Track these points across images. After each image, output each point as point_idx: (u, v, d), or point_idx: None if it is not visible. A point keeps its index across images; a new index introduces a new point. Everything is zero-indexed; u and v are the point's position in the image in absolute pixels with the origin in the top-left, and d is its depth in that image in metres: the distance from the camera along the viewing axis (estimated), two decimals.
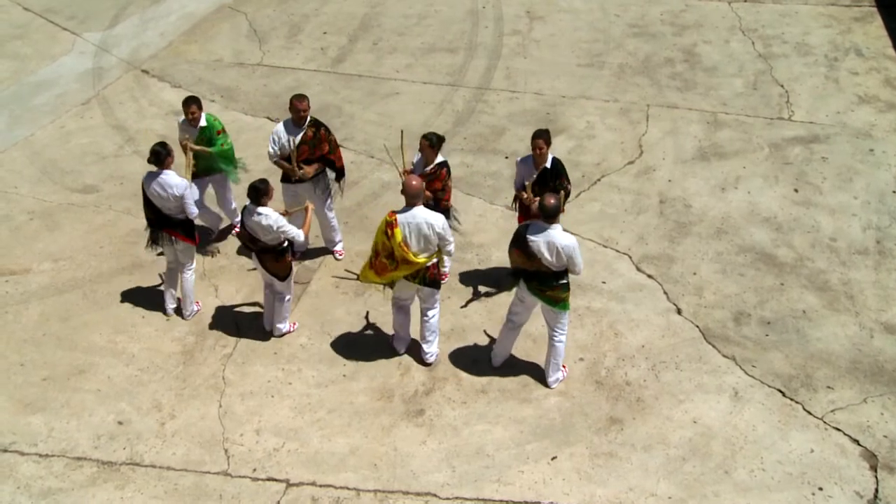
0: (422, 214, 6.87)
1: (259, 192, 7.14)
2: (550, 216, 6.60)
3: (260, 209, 7.17)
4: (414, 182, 6.86)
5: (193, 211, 7.71)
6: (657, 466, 6.64)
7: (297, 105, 7.93)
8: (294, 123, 8.05)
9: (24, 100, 11.64)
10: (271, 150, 8.09)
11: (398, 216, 6.87)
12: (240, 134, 10.79)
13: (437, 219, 6.90)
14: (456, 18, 13.39)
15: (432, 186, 7.60)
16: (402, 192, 6.95)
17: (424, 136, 7.65)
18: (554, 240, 6.63)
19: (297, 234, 7.33)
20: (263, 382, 7.48)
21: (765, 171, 9.75)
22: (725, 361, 7.50)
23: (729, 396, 7.18)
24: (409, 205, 6.89)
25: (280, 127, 8.08)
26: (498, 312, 8.05)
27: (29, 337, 7.99)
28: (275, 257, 7.41)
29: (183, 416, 7.19)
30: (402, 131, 8.23)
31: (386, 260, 6.99)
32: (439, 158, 7.73)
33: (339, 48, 12.69)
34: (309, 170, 8.12)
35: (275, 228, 7.18)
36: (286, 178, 8.28)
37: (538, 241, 6.64)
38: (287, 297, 7.71)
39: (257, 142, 10.62)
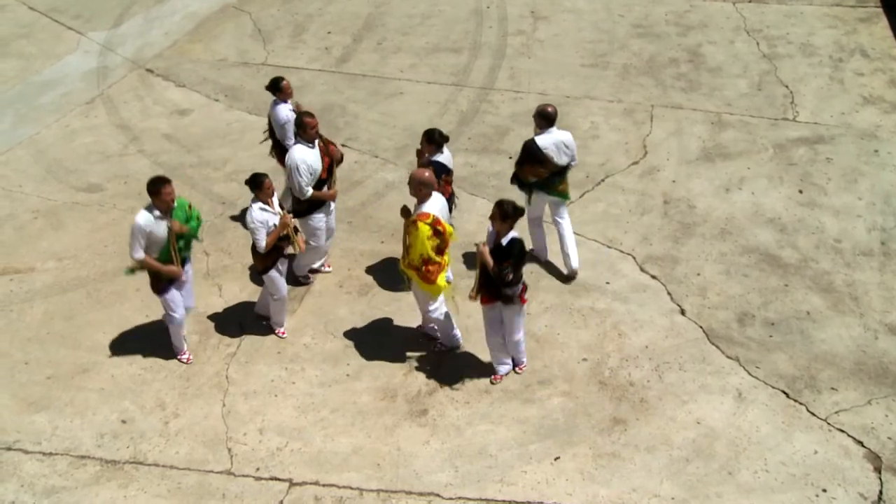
0: (440, 198, 7.15)
1: (253, 184, 7.17)
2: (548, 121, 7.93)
3: (252, 203, 7.20)
4: (427, 174, 7.06)
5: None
6: (660, 467, 6.63)
7: (312, 122, 7.67)
8: (309, 140, 7.74)
9: (29, 99, 11.66)
10: (306, 186, 7.70)
11: (432, 213, 6.93)
12: (244, 133, 10.81)
13: (441, 198, 7.25)
14: (460, 18, 13.39)
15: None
16: (420, 184, 7.00)
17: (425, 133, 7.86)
18: (561, 138, 7.93)
19: (259, 243, 7.20)
20: (267, 382, 7.49)
21: (769, 172, 9.73)
22: (729, 362, 7.49)
23: (732, 397, 7.16)
24: (425, 197, 7.00)
25: (300, 153, 7.65)
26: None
27: (33, 335, 8.01)
28: (252, 249, 7.42)
29: (186, 415, 7.20)
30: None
31: (438, 257, 7.01)
32: (438, 157, 7.81)
33: (343, 48, 12.69)
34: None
35: (249, 226, 7.23)
36: (313, 209, 7.95)
37: (549, 146, 7.86)
38: (271, 294, 7.65)
39: (261, 141, 10.63)
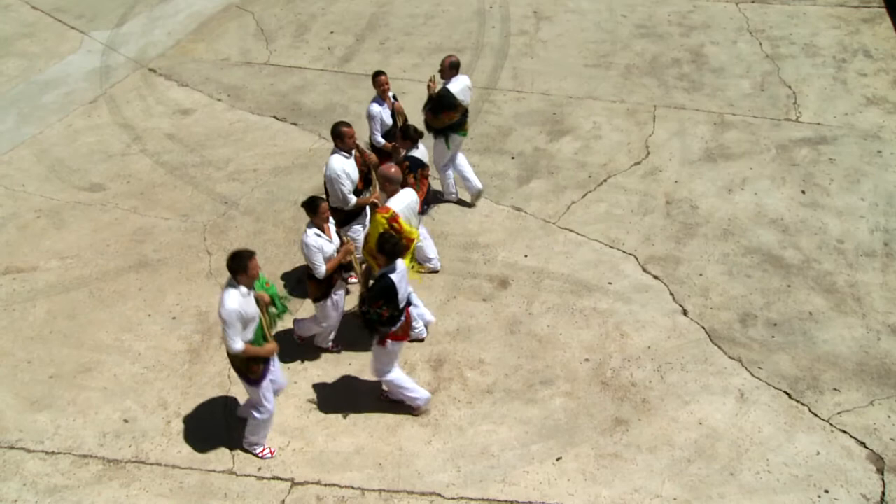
0: (410, 195, 7.26)
1: (310, 208, 6.81)
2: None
3: (307, 228, 6.89)
4: (393, 169, 7.20)
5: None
6: (662, 468, 6.62)
7: (350, 132, 7.57)
8: (347, 150, 7.64)
9: (32, 98, 11.68)
10: (349, 193, 7.63)
11: (392, 209, 7.03)
12: (246, 133, 10.82)
13: (413, 194, 7.35)
14: (463, 18, 13.39)
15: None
16: (386, 180, 7.20)
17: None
18: (466, 83, 8.79)
19: (318, 269, 6.92)
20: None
21: (772, 173, 9.72)
22: (731, 363, 7.48)
23: (735, 398, 7.16)
24: (392, 192, 7.18)
25: (339, 164, 7.54)
26: (503, 312, 8.05)
27: (36, 334, 8.02)
28: (308, 275, 7.15)
29: (188, 415, 7.21)
30: None
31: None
32: (414, 152, 7.90)
33: (346, 47, 12.70)
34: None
35: (304, 252, 6.91)
36: (351, 219, 7.91)
37: (459, 92, 8.66)
38: (319, 321, 7.43)
39: (263, 141, 10.65)
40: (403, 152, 7.94)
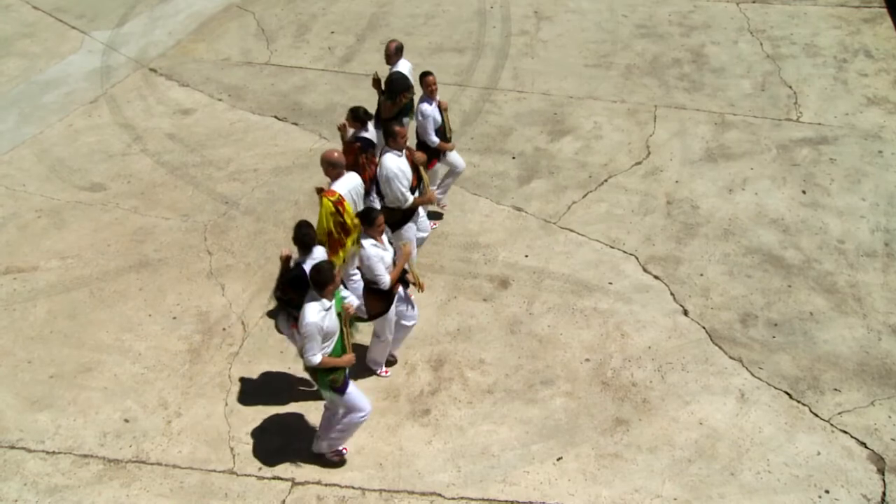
0: (354, 178, 7.39)
1: (366, 220, 6.74)
2: None
3: (362, 240, 6.81)
4: (336, 154, 7.30)
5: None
6: (663, 468, 6.62)
7: (402, 131, 7.58)
8: (399, 150, 7.61)
9: (32, 98, 11.68)
10: (407, 191, 7.59)
11: (338, 192, 7.14)
12: (247, 133, 10.82)
13: (357, 177, 7.48)
14: (463, 18, 13.39)
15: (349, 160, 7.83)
16: (329, 164, 7.25)
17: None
18: (409, 64, 9.01)
19: (383, 280, 6.81)
20: (269, 381, 7.49)
21: (772, 173, 9.72)
22: (732, 363, 7.48)
23: (735, 398, 7.16)
24: (336, 176, 7.26)
25: (394, 163, 7.51)
26: (504, 312, 8.05)
27: (36, 334, 8.02)
28: (368, 290, 7.00)
29: (189, 415, 7.21)
30: None
31: (340, 235, 7.17)
32: (364, 133, 7.95)
33: (346, 47, 12.70)
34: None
35: (365, 263, 6.80)
36: (406, 218, 7.83)
37: (408, 72, 8.81)
38: (377, 335, 7.25)
39: (264, 141, 10.65)
40: (352, 132, 7.99)
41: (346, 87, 11.74)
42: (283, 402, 7.28)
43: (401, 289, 7.08)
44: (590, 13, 13.38)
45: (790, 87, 11.24)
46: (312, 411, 7.19)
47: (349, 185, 7.38)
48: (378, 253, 6.73)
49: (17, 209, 9.62)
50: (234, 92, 11.70)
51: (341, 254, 7.30)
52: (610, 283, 8.34)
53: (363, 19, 13.46)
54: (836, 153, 9.98)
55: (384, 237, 6.89)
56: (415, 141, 8.62)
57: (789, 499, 6.36)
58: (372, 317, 7.07)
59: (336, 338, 6.09)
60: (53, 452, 6.93)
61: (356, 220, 7.09)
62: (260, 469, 6.74)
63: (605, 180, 9.74)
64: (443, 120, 8.57)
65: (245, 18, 13.67)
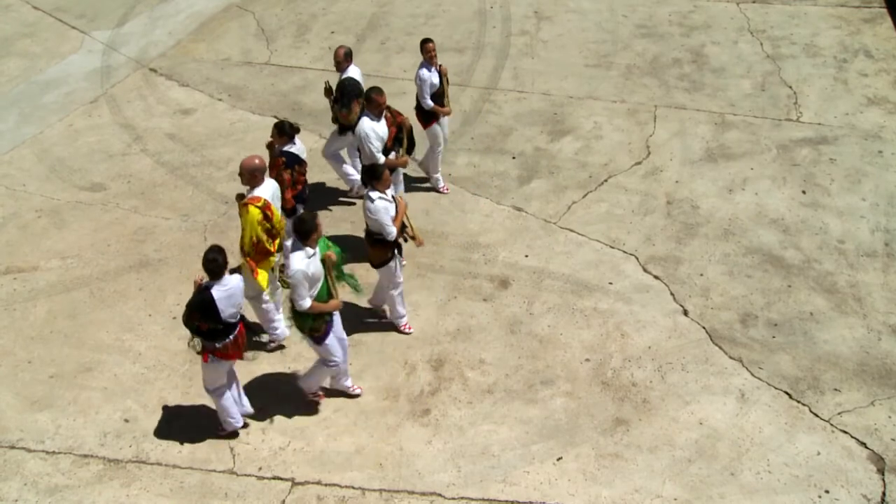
0: (273, 184, 7.33)
1: (373, 175, 7.17)
2: None
3: (370, 192, 7.19)
4: (257, 160, 7.19)
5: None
6: (663, 468, 6.62)
7: (379, 99, 8.04)
8: (376, 115, 8.07)
9: (32, 98, 11.68)
10: (378, 152, 8.07)
11: (263, 197, 7.08)
12: (247, 133, 10.82)
13: (274, 182, 7.41)
14: (464, 18, 13.39)
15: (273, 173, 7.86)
16: (251, 171, 7.15)
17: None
18: (359, 71, 9.03)
19: (389, 229, 7.21)
20: (269, 381, 7.49)
21: (772, 173, 9.72)
22: (732, 363, 7.48)
23: (735, 398, 7.16)
24: (257, 182, 7.17)
25: (368, 124, 8.01)
26: (504, 312, 8.05)
27: (36, 334, 8.02)
28: (370, 242, 7.40)
29: (189, 415, 7.21)
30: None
31: (268, 242, 7.14)
32: (288, 147, 7.94)
33: None
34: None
35: (371, 216, 7.18)
36: None
37: (360, 78, 8.87)
38: (386, 287, 7.67)
39: (264, 141, 10.60)
40: (278, 148, 7.94)
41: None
42: (283, 402, 7.28)
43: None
44: (590, 13, 13.38)
45: (790, 87, 11.24)
46: (312, 411, 7.19)
47: (270, 189, 7.27)
48: (385, 205, 7.15)
49: (18, 209, 9.62)
50: (235, 92, 11.70)
51: (271, 260, 7.25)
52: (610, 283, 8.34)
53: (363, 19, 13.46)
54: (836, 153, 9.98)
55: (388, 191, 7.31)
56: (413, 104, 9.19)
57: (789, 499, 6.36)
58: (377, 266, 7.47)
59: (321, 283, 6.54)
60: (53, 452, 6.93)
61: (283, 223, 7.26)
62: (260, 469, 6.74)
63: (606, 180, 9.74)
64: (441, 85, 9.01)
65: (245, 18, 13.67)
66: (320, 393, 7.26)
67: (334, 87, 8.91)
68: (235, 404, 6.86)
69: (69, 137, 10.87)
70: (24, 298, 8.42)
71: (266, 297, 7.43)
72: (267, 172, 7.34)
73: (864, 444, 6.74)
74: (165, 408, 7.27)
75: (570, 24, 13.08)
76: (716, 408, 7.08)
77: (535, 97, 11.31)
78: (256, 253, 7.15)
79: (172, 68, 12.33)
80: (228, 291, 6.33)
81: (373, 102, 8.01)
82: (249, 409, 7.05)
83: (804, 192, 9.42)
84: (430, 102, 9.00)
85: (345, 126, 8.86)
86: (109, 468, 6.78)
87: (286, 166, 7.82)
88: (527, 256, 8.70)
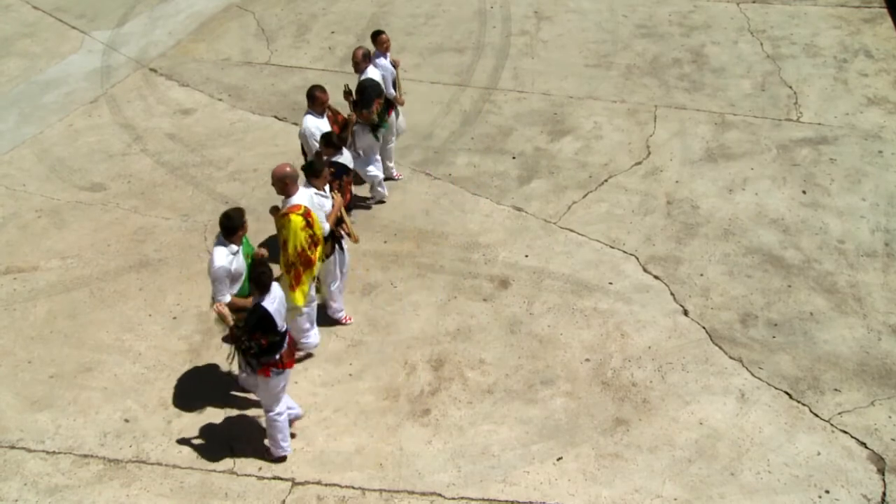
0: (308, 190, 7.24)
1: (310, 171, 7.27)
2: None
3: (306, 187, 7.27)
4: (289, 168, 7.08)
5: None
6: (663, 468, 6.62)
7: (322, 96, 8.22)
8: (319, 113, 8.26)
9: (32, 98, 11.68)
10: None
11: (303, 205, 7.00)
12: (247, 133, 10.82)
13: (311, 189, 7.31)
14: (464, 18, 13.39)
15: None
16: (283, 179, 7.03)
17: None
18: (386, 65, 9.09)
19: (324, 226, 7.31)
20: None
21: (773, 173, 9.72)
22: (732, 363, 7.48)
23: (735, 398, 7.16)
24: (291, 191, 7.07)
25: (312, 122, 8.24)
26: (504, 312, 8.05)
27: (36, 334, 8.02)
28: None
29: (189, 415, 7.21)
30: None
31: (311, 250, 7.02)
32: (338, 158, 8.00)
33: (347, 47, 12.68)
34: None
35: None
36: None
37: (380, 78, 8.88)
38: (323, 280, 7.73)
39: (264, 141, 10.65)
40: (326, 159, 7.88)
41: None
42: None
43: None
44: (590, 13, 13.38)
45: (790, 87, 11.25)
46: (312, 411, 7.19)
47: (307, 196, 7.18)
48: (320, 201, 7.22)
49: (18, 209, 9.62)
50: (235, 92, 11.70)
51: (314, 271, 7.14)
52: (610, 283, 8.34)
53: (363, 19, 13.46)
54: (836, 153, 9.98)
55: (326, 188, 7.41)
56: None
57: (789, 499, 6.36)
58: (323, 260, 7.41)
59: (243, 279, 6.59)
60: (53, 452, 6.93)
61: (321, 230, 7.17)
62: (260, 469, 6.74)
63: (606, 180, 9.74)
64: (394, 77, 9.19)
65: (245, 18, 13.67)
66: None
67: (353, 90, 8.82)
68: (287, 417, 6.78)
69: (69, 137, 10.87)
70: (24, 298, 8.42)
71: (305, 309, 7.27)
72: (299, 180, 7.22)
73: (864, 445, 6.75)
74: (165, 408, 7.27)
75: (570, 24, 13.08)
76: (716, 408, 7.08)
77: (535, 97, 11.32)
78: (300, 264, 6.95)
79: (172, 68, 12.33)
80: (277, 302, 6.28)
81: (316, 100, 8.17)
82: (299, 411, 7.03)
83: (804, 192, 9.42)
84: (392, 91, 9.12)
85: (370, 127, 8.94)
86: (109, 468, 6.79)
87: (334, 177, 7.80)
88: (527, 256, 8.70)
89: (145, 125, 11.07)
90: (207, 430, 7.06)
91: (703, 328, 7.82)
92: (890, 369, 7.37)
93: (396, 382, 7.45)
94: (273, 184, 7.08)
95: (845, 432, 6.85)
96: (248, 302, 6.44)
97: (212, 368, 7.62)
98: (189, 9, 13.98)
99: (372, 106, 8.71)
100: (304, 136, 8.25)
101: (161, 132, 10.90)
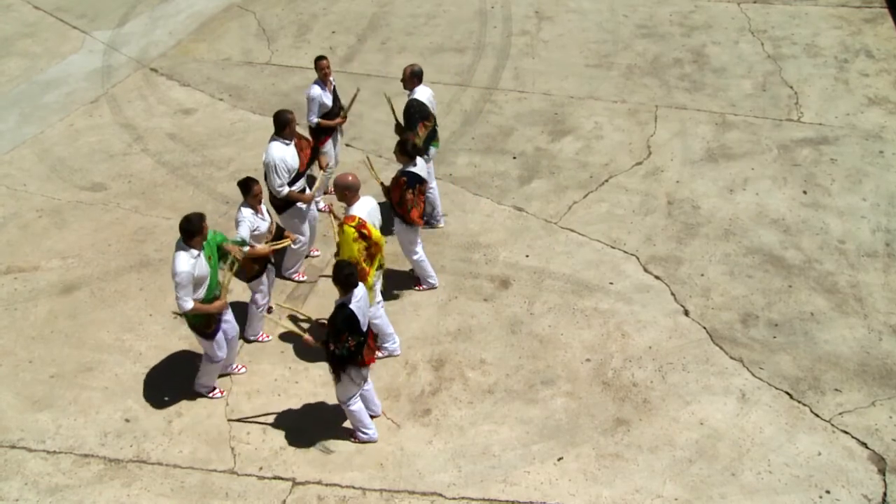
0: (370, 201, 7.19)
1: (244, 188, 7.24)
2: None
3: (241, 207, 7.28)
4: (351, 177, 7.07)
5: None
6: (664, 468, 6.62)
7: (294, 120, 7.93)
8: (288, 139, 7.90)
9: (33, 98, 11.69)
10: (280, 186, 7.91)
11: (358, 215, 6.94)
12: (247, 133, 10.83)
13: (373, 201, 7.25)
14: (464, 18, 13.39)
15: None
16: (345, 188, 7.03)
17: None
18: (429, 91, 8.67)
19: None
20: (270, 381, 7.49)
21: (773, 173, 9.71)
22: (733, 363, 7.48)
23: (736, 398, 7.16)
24: (352, 200, 7.06)
25: (279, 151, 7.84)
26: (504, 312, 8.05)
27: (37, 334, 8.03)
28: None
29: (190, 415, 7.21)
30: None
31: (366, 262, 6.94)
32: (411, 168, 7.73)
33: (347, 47, 12.70)
34: None
35: (237, 221, 7.24)
36: (286, 206, 8.07)
37: (427, 100, 8.48)
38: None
39: (265, 141, 10.56)
40: (402, 168, 7.78)
41: (346, 87, 11.71)
42: (284, 402, 7.28)
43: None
44: (591, 13, 13.38)
45: (791, 87, 11.24)
46: (313, 411, 7.19)
47: (367, 207, 7.08)
48: (251, 218, 7.18)
49: (18, 209, 9.63)
50: (235, 92, 11.71)
51: (369, 281, 7.01)
52: (611, 283, 8.34)
53: (364, 19, 13.47)
54: (836, 153, 9.98)
55: (262, 207, 7.37)
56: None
57: (790, 499, 6.36)
58: (249, 279, 7.48)
59: (207, 283, 6.59)
60: (54, 452, 6.93)
61: (381, 241, 7.05)
62: (261, 469, 6.75)
63: (606, 180, 9.74)
64: (335, 104, 8.96)
65: (246, 18, 13.67)
66: (221, 389, 7.36)
67: (396, 108, 8.58)
68: (367, 408, 6.82)
69: (70, 137, 10.88)
70: (24, 298, 8.43)
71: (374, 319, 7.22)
72: (360, 189, 7.17)
73: (864, 445, 6.74)
74: (166, 408, 7.28)
75: (570, 24, 13.08)
76: (716, 408, 7.08)
77: (535, 97, 11.32)
78: None
79: (173, 68, 12.33)
80: (360, 301, 6.28)
81: (288, 125, 7.77)
82: (379, 411, 7.06)
83: (805, 192, 9.42)
84: (315, 119, 8.84)
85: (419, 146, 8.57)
86: (110, 468, 6.79)
87: (408, 185, 7.66)
88: (527, 256, 8.70)
89: (146, 125, 11.07)
90: (208, 430, 7.06)
91: (704, 328, 7.82)
92: (891, 369, 7.37)
93: (397, 382, 7.45)
94: (335, 192, 7.17)
95: (846, 432, 6.84)
96: (212, 307, 6.64)
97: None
98: (189, 9, 13.99)
99: (415, 128, 8.37)
100: (268, 167, 7.76)
101: (162, 132, 10.91)
